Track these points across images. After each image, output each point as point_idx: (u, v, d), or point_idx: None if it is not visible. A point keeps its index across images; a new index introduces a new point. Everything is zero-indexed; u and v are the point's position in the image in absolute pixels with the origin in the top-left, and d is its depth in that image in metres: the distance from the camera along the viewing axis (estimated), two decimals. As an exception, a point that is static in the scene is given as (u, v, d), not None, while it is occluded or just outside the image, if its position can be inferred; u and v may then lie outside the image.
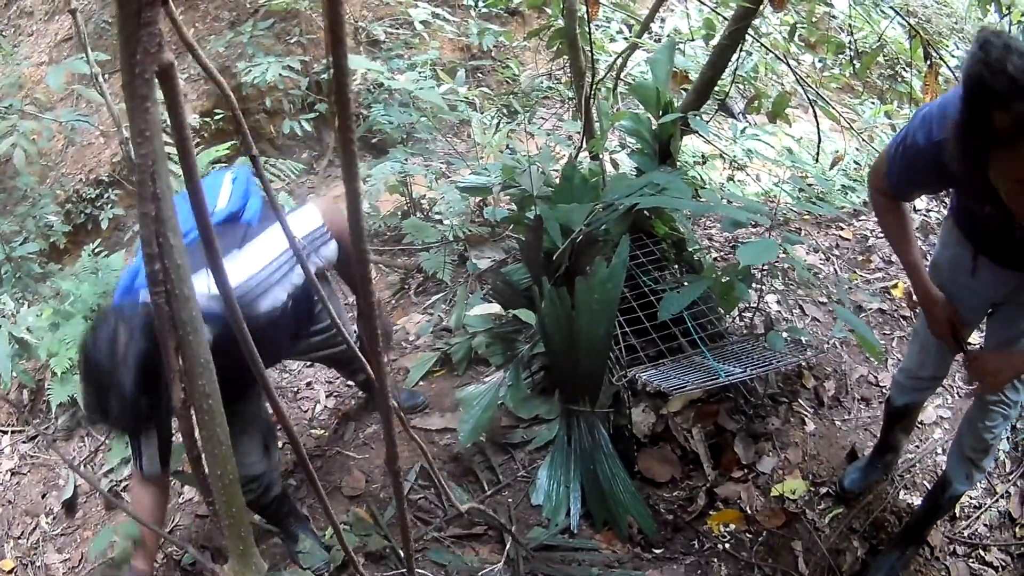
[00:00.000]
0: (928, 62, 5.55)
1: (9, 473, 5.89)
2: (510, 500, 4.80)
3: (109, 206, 9.39)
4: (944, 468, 4.15)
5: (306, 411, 5.66)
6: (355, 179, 1.01)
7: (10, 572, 5.05)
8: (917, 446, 4.94)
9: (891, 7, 7.13)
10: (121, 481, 5.39)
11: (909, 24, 5.93)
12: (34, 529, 5.38)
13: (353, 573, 4.35)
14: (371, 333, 1.21)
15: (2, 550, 5.30)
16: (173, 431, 3.52)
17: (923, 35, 5.61)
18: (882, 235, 6.67)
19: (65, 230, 8.97)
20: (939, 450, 4.90)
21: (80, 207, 9.51)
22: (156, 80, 1.12)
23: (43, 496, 5.62)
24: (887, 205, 3.51)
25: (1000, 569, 4.32)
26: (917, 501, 4.52)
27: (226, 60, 9.48)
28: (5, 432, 6.29)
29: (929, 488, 4.45)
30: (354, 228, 1.08)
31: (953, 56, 11.36)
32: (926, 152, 2.93)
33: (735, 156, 7.61)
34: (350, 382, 5.62)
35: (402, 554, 4.45)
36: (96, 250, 7.70)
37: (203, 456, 1.52)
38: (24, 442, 6.14)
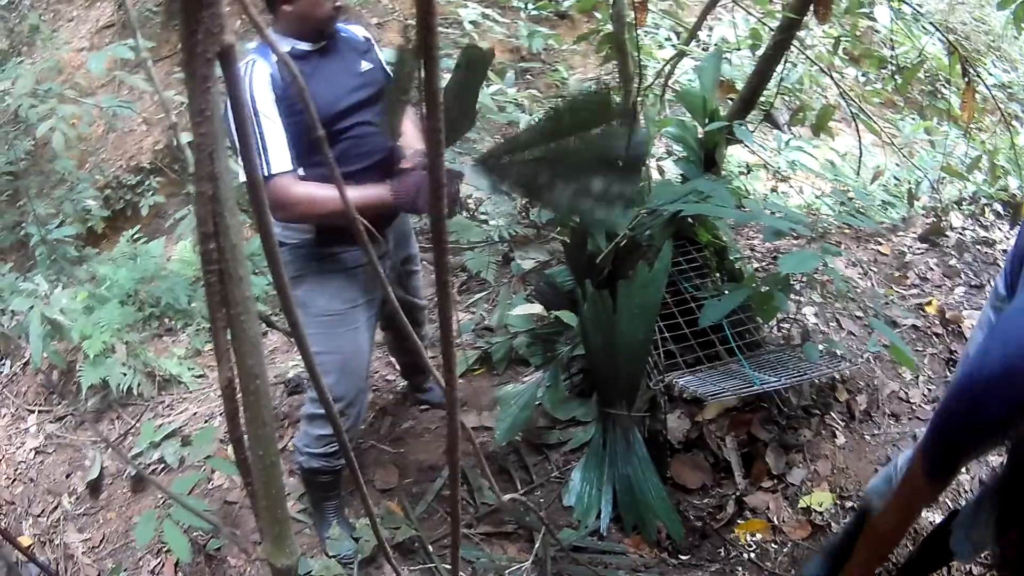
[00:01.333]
0: (966, 79, 5.53)
1: (33, 452, 5.92)
2: (542, 500, 4.81)
3: (150, 193, 9.42)
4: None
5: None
6: (439, 168, 1.01)
7: (27, 548, 5.05)
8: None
9: (931, 23, 7.11)
10: (150, 464, 5.41)
11: (948, 40, 5.91)
12: (55, 508, 5.40)
13: (380, 565, 4.36)
14: (446, 323, 1.21)
15: (21, 527, 5.32)
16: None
17: (961, 52, 5.59)
18: (919, 251, 6.64)
19: (104, 215, 9.00)
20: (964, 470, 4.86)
21: (120, 193, 9.55)
22: (216, 61, 1.12)
23: (67, 476, 5.64)
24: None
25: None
26: (939, 519, 4.49)
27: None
28: (32, 411, 6.31)
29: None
30: (435, 217, 1.07)
31: (990, 74, 11.33)
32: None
33: (779, 167, 7.60)
34: (389, 376, 5.63)
35: (430, 548, 4.46)
36: (135, 236, 7.74)
37: (244, 437, 1.52)
38: (51, 422, 6.17)
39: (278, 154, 3.47)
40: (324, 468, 4.28)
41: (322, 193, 3.55)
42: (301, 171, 3.60)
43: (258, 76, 3.47)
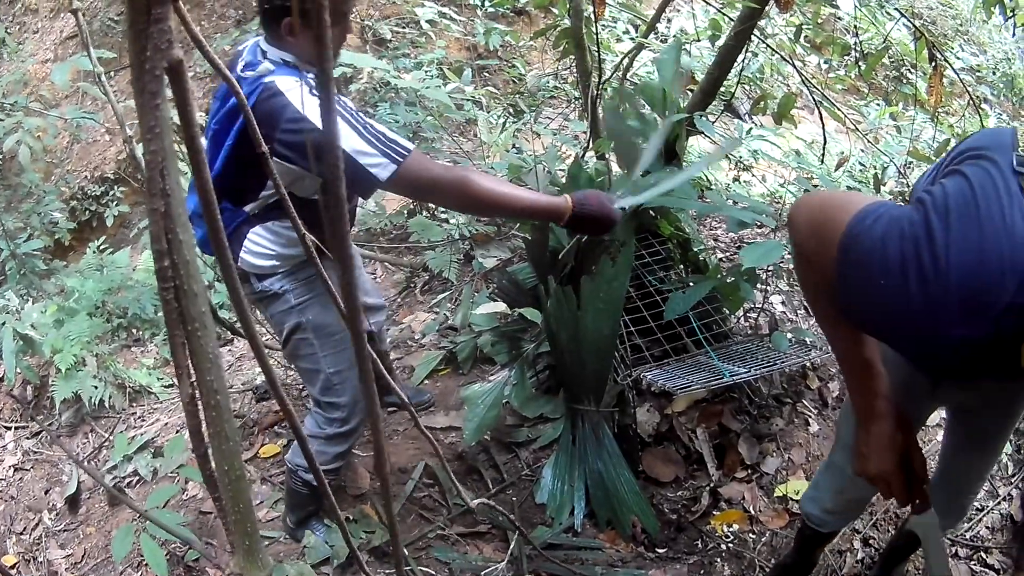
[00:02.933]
0: (933, 64, 5.55)
1: (12, 469, 5.90)
2: (514, 499, 4.81)
3: (114, 203, 9.44)
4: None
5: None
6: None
7: (13, 567, 5.05)
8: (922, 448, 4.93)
9: (896, 8, 7.13)
10: (125, 478, 5.40)
11: (914, 26, 5.93)
12: (37, 525, 5.39)
13: (356, 570, 4.37)
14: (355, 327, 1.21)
15: (4, 545, 5.31)
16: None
17: (928, 37, 5.60)
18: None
19: (70, 227, 9.02)
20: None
21: (85, 204, 9.57)
22: (166, 76, 1.12)
23: (46, 492, 5.63)
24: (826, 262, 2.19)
25: (1001, 572, 4.31)
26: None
27: (232, 58, 9.52)
28: (8, 428, 6.30)
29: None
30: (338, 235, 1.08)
31: (958, 58, 11.38)
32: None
33: (741, 157, 7.62)
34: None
35: (405, 552, 4.46)
36: (101, 247, 7.74)
37: (210, 452, 1.52)
38: (27, 438, 6.16)
39: (398, 137, 3.35)
40: (329, 481, 4.28)
41: (498, 187, 3.49)
42: None
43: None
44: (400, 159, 3.23)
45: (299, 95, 3.29)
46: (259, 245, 3.65)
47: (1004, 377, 2.03)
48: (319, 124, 3.46)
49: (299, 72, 3.38)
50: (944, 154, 2.33)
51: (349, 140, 3.21)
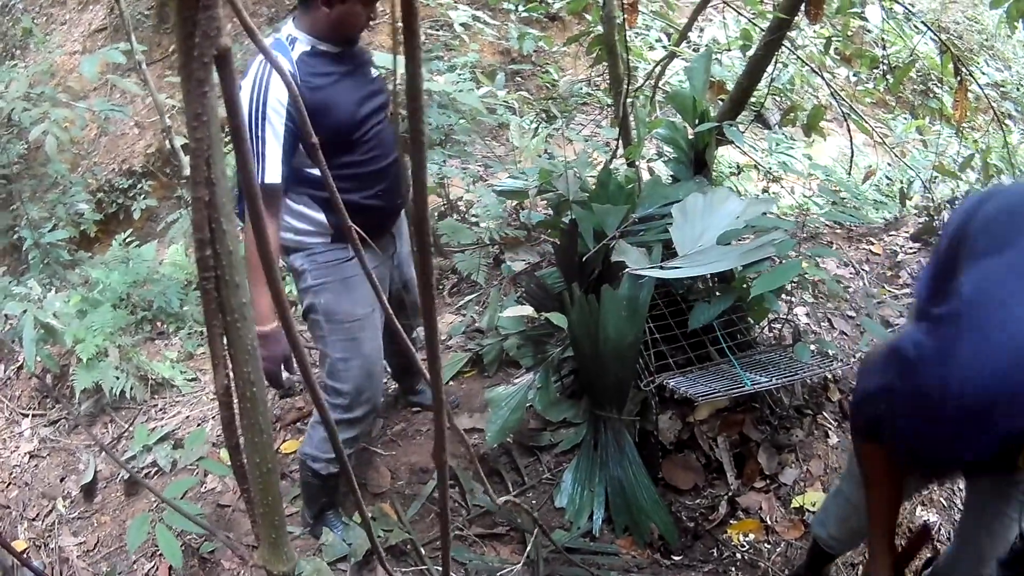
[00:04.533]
0: (959, 79, 5.54)
1: (28, 456, 5.91)
2: (534, 502, 4.82)
3: (142, 196, 9.44)
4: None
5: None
6: (422, 169, 1.01)
7: (22, 552, 5.05)
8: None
9: (923, 22, 7.11)
10: (143, 468, 5.41)
11: (940, 40, 5.91)
12: (50, 512, 5.40)
13: (374, 568, 4.37)
14: (431, 325, 1.21)
15: (15, 531, 5.32)
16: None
17: (954, 51, 5.59)
18: (911, 250, 6.64)
19: (96, 219, 9.01)
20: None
21: (112, 197, 9.57)
22: (213, 64, 1.12)
23: (61, 480, 5.64)
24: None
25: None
26: (933, 518, 4.50)
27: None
28: (26, 415, 6.31)
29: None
30: (419, 218, 1.08)
31: (983, 73, 11.33)
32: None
33: (770, 168, 7.60)
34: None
35: (422, 551, 4.46)
36: (127, 240, 7.75)
37: (241, 444, 1.52)
38: (45, 426, 6.17)
39: (273, 164, 3.46)
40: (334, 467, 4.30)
41: (250, 251, 3.48)
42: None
43: (276, 75, 3.42)
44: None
45: (264, 74, 3.43)
46: (284, 220, 3.69)
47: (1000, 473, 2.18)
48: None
49: (283, 48, 3.48)
50: (941, 233, 2.39)
51: None
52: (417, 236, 1.12)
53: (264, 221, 1.26)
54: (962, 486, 4.50)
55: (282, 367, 3.71)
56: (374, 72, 3.96)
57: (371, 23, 3.75)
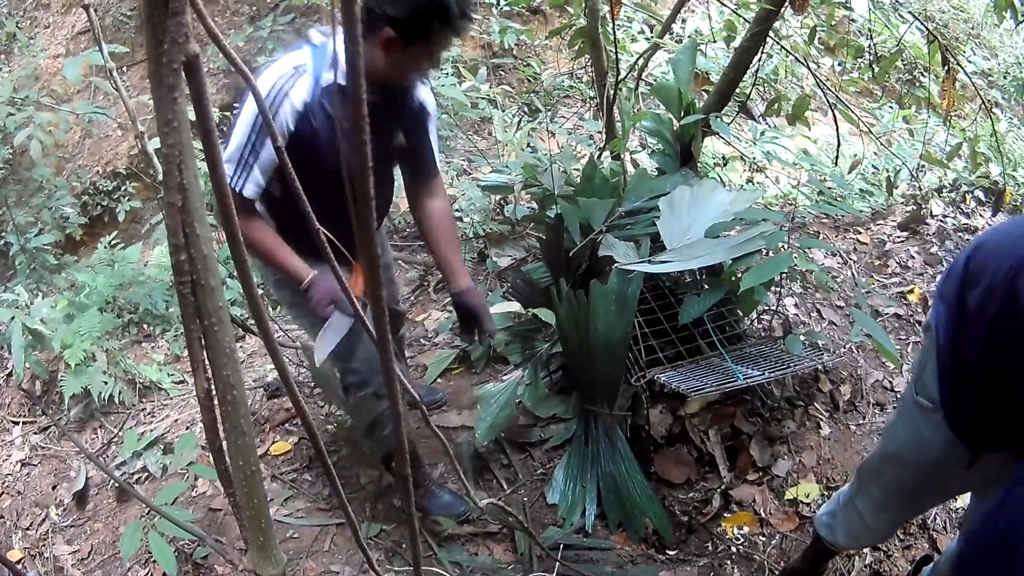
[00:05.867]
0: (946, 67, 5.53)
1: (19, 464, 5.89)
2: (525, 499, 4.82)
3: (126, 199, 9.44)
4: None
5: (322, 406, 5.66)
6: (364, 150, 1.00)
7: (18, 562, 5.03)
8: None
9: (909, 11, 7.12)
10: (134, 474, 5.39)
11: (927, 29, 5.90)
12: (43, 520, 5.38)
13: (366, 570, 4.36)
14: (381, 332, 1.19)
15: (10, 540, 5.30)
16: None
17: (941, 40, 5.58)
18: (899, 239, 6.64)
19: (81, 222, 9.02)
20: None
21: (97, 199, 9.57)
22: (182, 71, 1.11)
23: (53, 487, 5.61)
24: None
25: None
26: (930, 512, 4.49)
27: (245, 55, 9.50)
28: (16, 423, 6.29)
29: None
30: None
31: (970, 62, 11.36)
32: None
33: (755, 158, 7.60)
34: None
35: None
36: (112, 242, 7.74)
37: (224, 447, 1.51)
38: (35, 433, 6.15)
39: (255, 180, 3.41)
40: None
41: (265, 240, 3.61)
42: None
43: (294, 93, 3.33)
44: (232, 186, 3.32)
45: (284, 88, 3.32)
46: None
47: None
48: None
49: (320, 65, 3.38)
50: (949, 271, 2.49)
51: (232, 141, 3.35)
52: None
53: (235, 222, 1.24)
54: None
55: (332, 305, 3.70)
56: (412, 102, 3.80)
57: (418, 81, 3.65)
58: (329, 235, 1.37)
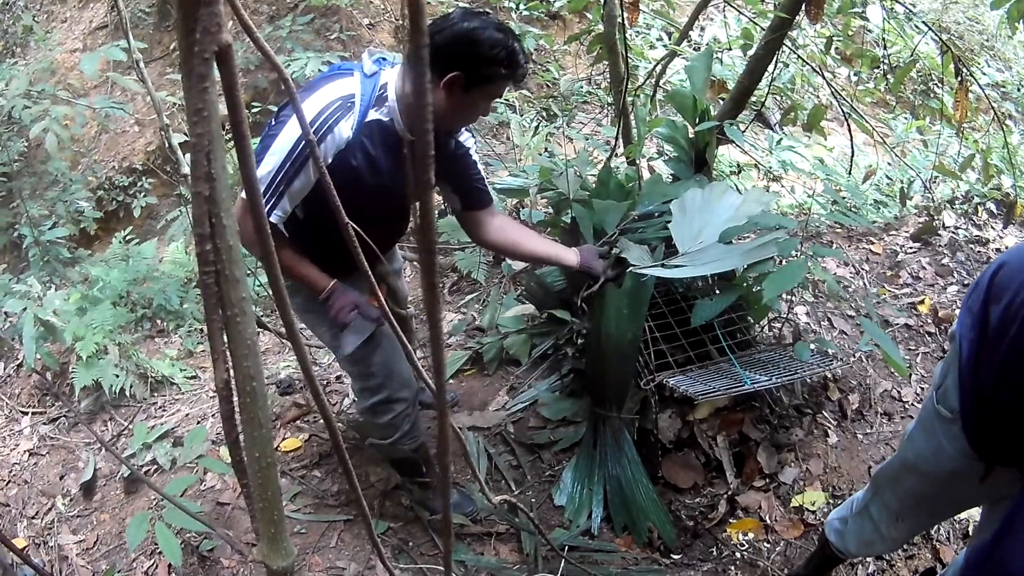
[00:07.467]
0: (959, 79, 5.54)
1: (27, 454, 5.91)
2: (533, 500, 4.83)
3: (142, 195, 9.46)
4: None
5: (335, 404, 5.67)
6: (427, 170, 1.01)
7: (22, 550, 5.04)
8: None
9: (923, 22, 7.11)
10: (143, 466, 5.41)
11: (941, 40, 5.90)
12: (49, 510, 5.39)
13: (373, 565, 4.37)
14: (435, 325, 1.20)
15: (15, 528, 5.31)
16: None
17: (954, 51, 5.59)
18: (911, 250, 6.63)
19: (96, 216, 9.03)
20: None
21: (112, 194, 9.58)
22: (214, 60, 1.12)
23: (61, 478, 5.63)
24: None
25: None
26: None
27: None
28: (26, 413, 6.31)
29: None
30: (425, 221, 1.08)
31: (984, 73, 11.33)
32: None
33: (770, 167, 7.60)
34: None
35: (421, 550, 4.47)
36: (127, 238, 7.75)
37: (240, 439, 1.52)
38: (44, 424, 6.17)
39: (284, 206, 3.40)
40: (407, 444, 4.38)
41: (283, 252, 3.61)
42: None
43: (340, 128, 3.32)
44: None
45: (320, 107, 3.32)
46: None
47: None
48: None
49: (368, 96, 3.37)
50: (976, 284, 2.50)
51: (267, 164, 3.34)
52: (422, 237, 1.12)
53: (264, 220, 1.26)
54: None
55: (355, 311, 3.72)
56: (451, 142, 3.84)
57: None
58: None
